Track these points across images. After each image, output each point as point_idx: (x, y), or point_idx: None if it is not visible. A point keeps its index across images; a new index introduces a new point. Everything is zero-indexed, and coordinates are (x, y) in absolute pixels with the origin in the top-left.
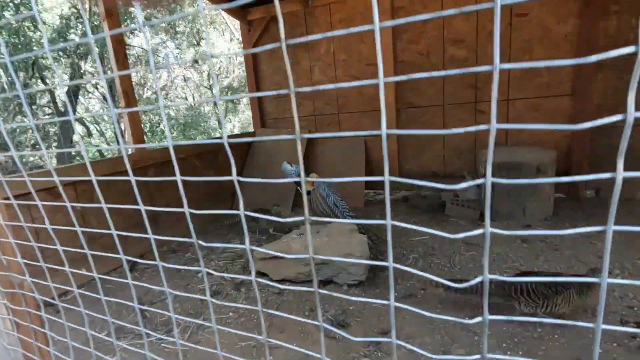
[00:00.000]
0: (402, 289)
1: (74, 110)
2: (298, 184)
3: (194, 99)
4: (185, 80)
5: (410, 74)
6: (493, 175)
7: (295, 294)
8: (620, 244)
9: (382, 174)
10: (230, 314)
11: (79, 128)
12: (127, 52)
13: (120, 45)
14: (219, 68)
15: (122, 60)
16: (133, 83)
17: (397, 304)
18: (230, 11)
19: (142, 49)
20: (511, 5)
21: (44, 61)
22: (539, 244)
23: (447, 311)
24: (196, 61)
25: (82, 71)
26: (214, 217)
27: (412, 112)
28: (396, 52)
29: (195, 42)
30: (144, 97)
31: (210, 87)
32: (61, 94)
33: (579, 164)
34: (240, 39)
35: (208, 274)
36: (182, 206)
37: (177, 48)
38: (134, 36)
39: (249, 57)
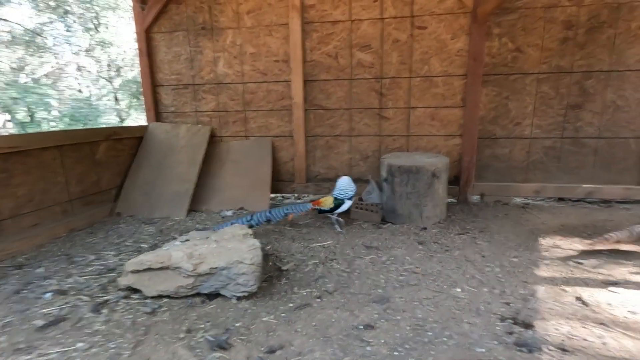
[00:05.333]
0: (298, 298)
1: None
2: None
3: (89, 91)
4: (79, 69)
5: (318, 74)
6: (395, 178)
7: (171, 312)
8: (499, 243)
9: (289, 174)
10: (80, 344)
11: None
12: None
13: None
14: (123, 59)
15: None
16: (10, 66)
17: None
18: None
19: (24, 27)
20: (412, 18)
21: None
22: (433, 245)
23: (341, 321)
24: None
25: None
26: (88, 221)
27: (320, 114)
28: (305, 52)
29: (93, 27)
30: (21, 82)
31: (110, 79)
32: None
33: (468, 171)
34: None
35: (60, 293)
36: (38, 208)
37: (68, 30)
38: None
39: (142, 39)
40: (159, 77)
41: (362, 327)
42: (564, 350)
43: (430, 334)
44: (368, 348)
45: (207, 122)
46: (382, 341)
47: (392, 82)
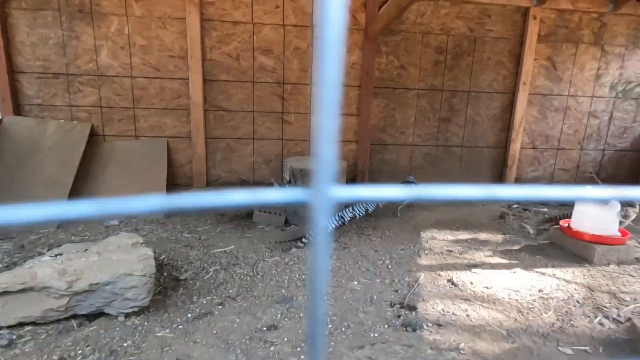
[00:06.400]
0: (197, 307)
1: None
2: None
3: None
4: None
5: (219, 74)
6: (297, 180)
7: (37, 341)
8: (389, 239)
9: (186, 177)
10: None
11: None
12: None
13: None
14: None
15: None
16: None
17: None
18: None
19: None
20: (312, 28)
21: None
22: (332, 244)
23: (244, 325)
24: None
25: None
26: None
27: (220, 115)
28: (205, 50)
29: None
30: None
31: None
32: None
33: (362, 174)
34: None
35: None
36: None
37: None
38: None
39: None
40: (18, 62)
41: (265, 328)
42: (439, 325)
43: (330, 326)
44: (272, 348)
45: (85, 118)
46: (285, 339)
47: (293, 88)
